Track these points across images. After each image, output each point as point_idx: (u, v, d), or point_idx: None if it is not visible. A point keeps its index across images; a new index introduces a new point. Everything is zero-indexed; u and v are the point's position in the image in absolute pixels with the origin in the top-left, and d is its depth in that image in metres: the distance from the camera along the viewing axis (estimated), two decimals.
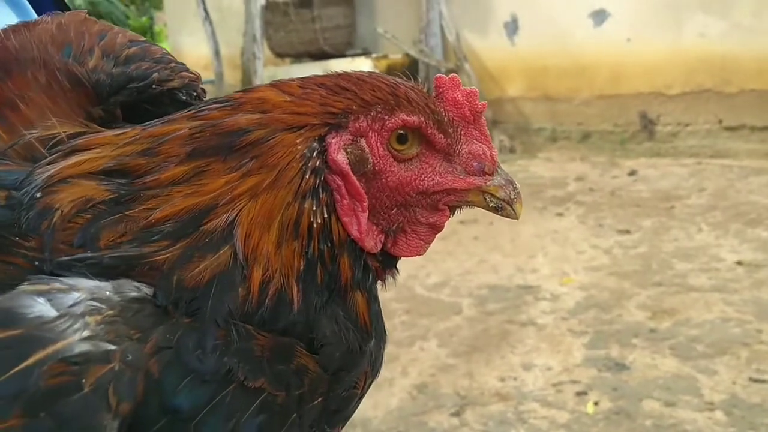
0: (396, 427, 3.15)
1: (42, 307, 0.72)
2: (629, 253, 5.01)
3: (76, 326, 0.72)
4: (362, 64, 9.35)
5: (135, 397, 0.71)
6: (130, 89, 1.10)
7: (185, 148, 0.84)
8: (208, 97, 1.17)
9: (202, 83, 1.23)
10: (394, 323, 4.11)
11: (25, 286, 0.76)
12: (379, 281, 0.96)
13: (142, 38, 1.21)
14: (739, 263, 4.62)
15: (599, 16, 8.08)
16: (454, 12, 9.21)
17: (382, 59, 9.43)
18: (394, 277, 0.99)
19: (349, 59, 9.73)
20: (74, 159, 0.86)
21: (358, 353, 0.90)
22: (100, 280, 0.78)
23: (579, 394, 3.27)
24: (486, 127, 0.97)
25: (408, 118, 0.91)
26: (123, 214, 0.81)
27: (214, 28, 11.07)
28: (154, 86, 1.12)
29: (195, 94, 1.18)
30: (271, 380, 0.80)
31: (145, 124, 0.91)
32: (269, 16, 10.58)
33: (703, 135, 7.67)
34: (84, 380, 0.70)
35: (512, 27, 8.80)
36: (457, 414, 3.21)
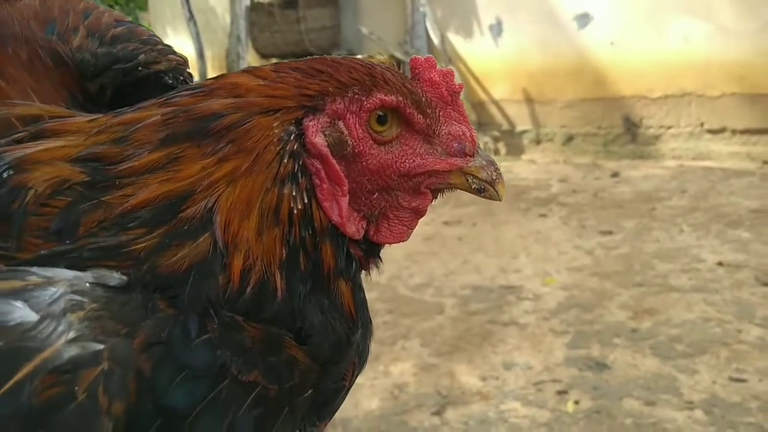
0: (377, 426, 3.13)
1: (21, 312, 0.68)
2: (611, 254, 5.03)
3: (60, 328, 0.68)
4: None
5: (128, 396, 0.69)
6: (115, 70, 1.07)
7: (158, 135, 0.82)
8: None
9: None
10: (376, 323, 4.07)
11: None
12: (363, 270, 0.94)
13: (128, 18, 1.17)
14: (719, 264, 4.65)
15: (583, 20, 8.12)
16: (439, 14, 9.22)
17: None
18: (377, 267, 0.97)
19: None
20: (46, 144, 0.83)
21: (346, 344, 0.89)
22: (78, 271, 0.75)
23: (560, 393, 3.27)
24: (464, 108, 0.95)
25: (386, 97, 0.90)
26: (100, 200, 0.79)
27: (198, 29, 11.02)
28: (140, 68, 1.09)
29: (182, 78, 1.15)
30: (264, 373, 0.78)
31: (115, 111, 0.88)
32: (254, 16, 10.55)
33: (685, 138, 7.72)
34: (77, 388, 0.66)
35: (497, 29, 8.82)
36: (438, 413, 3.20)
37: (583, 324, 3.97)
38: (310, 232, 0.85)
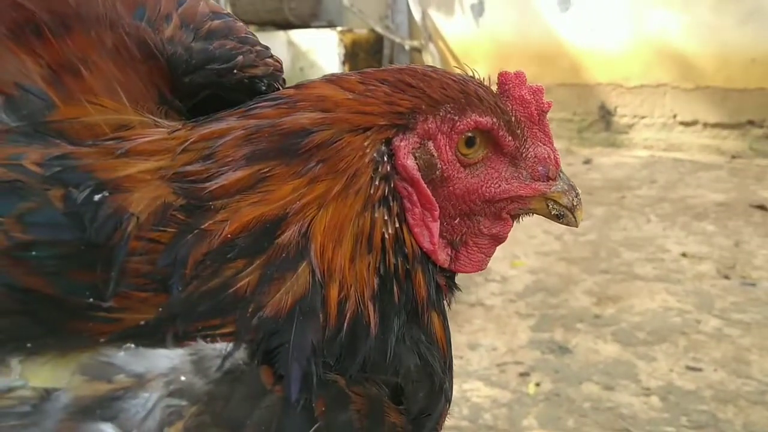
0: None
1: None
2: (579, 240, 5.11)
3: None
4: (328, 37, 9.26)
5: None
6: (209, 70, 0.94)
7: (242, 151, 0.75)
8: None
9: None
10: None
11: (78, 385, 0.62)
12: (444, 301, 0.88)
13: (225, 11, 1.03)
14: (683, 255, 4.74)
15: (564, 4, 8.13)
16: None
17: (347, 33, 9.34)
18: (454, 298, 0.91)
19: (314, 30, 9.62)
20: (136, 162, 0.74)
21: (439, 392, 0.82)
22: (174, 348, 0.66)
23: (522, 374, 3.34)
24: (549, 128, 0.89)
25: (480, 119, 0.84)
26: (200, 229, 0.71)
27: None
28: (235, 71, 0.96)
29: (276, 85, 1.02)
30: None
31: (191, 122, 0.80)
32: None
33: (658, 128, 7.81)
34: None
35: (478, 9, 8.80)
36: None
37: (548, 308, 4.04)
38: (402, 259, 0.79)
